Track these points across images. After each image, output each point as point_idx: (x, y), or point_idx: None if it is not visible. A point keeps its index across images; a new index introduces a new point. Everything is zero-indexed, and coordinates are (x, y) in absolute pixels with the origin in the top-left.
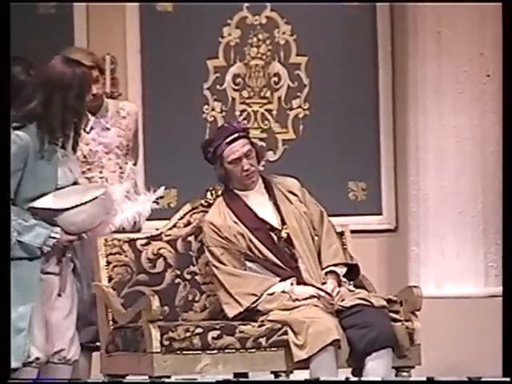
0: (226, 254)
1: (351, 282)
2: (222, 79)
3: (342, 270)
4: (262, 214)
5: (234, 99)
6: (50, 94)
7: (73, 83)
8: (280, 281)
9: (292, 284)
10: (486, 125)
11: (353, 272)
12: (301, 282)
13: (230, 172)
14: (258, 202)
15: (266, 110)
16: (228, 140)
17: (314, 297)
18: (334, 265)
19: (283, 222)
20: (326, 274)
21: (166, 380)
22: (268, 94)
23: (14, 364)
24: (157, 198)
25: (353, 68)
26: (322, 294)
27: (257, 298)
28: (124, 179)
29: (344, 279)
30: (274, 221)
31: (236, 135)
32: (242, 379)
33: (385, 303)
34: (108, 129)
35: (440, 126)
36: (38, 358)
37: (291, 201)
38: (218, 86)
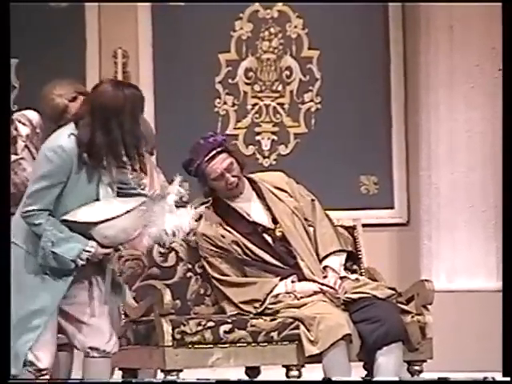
0: (224, 262)
1: (362, 271)
2: (233, 73)
3: (341, 258)
4: (253, 216)
5: (245, 93)
6: (107, 120)
7: (126, 106)
8: (280, 280)
9: (293, 282)
10: (498, 119)
11: (353, 257)
12: (302, 278)
13: (215, 187)
14: (248, 205)
15: (278, 103)
16: (207, 158)
17: (317, 292)
18: (332, 253)
19: (276, 222)
20: (325, 268)
21: (164, 380)
22: (280, 88)
23: (13, 371)
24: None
25: (364, 62)
26: (325, 288)
27: (261, 302)
28: (167, 192)
29: (344, 273)
30: (266, 221)
31: (214, 152)
32: (241, 379)
33: (391, 292)
34: None
35: (452, 121)
36: None
37: (280, 198)
38: (229, 80)
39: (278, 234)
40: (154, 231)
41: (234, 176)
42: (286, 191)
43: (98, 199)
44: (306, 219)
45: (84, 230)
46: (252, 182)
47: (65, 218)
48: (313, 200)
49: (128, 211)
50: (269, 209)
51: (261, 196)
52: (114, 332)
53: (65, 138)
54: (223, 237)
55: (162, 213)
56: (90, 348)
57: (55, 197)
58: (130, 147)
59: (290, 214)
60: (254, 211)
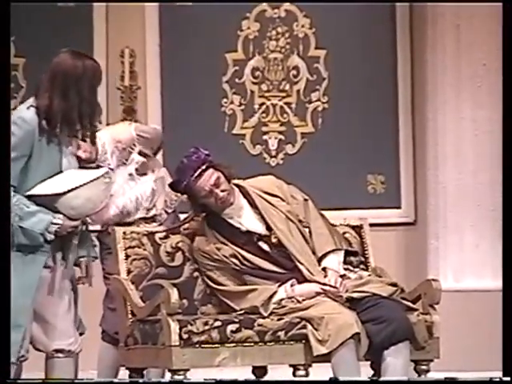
0: (222, 275)
1: (369, 271)
2: (240, 72)
3: (339, 256)
4: (247, 226)
5: (252, 92)
6: (66, 87)
7: (85, 75)
8: (280, 285)
9: (292, 285)
10: None
11: (353, 253)
12: (303, 280)
13: (206, 203)
14: (240, 215)
15: (285, 103)
16: (193, 178)
17: (318, 293)
18: (328, 252)
19: (270, 228)
20: (324, 269)
21: (163, 380)
22: (287, 88)
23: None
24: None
25: (371, 61)
26: (327, 288)
27: (262, 309)
28: (128, 163)
29: (344, 271)
30: (261, 229)
31: (199, 170)
32: (242, 379)
33: (393, 289)
34: (112, 169)
35: (459, 120)
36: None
37: (272, 203)
38: (236, 80)
39: (274, 240)
40: (120, 201)
41: (222, 191)
42: (277, 196)
43: (61, 171)
44: (300, 221)
45: (50, 203)
46: (242, 189)
47: (29, 192)
48: (306, 200)
49: (92, 180)
50: (262, 216)
51: (252, 204)
52: (76, 331)
53: (24, 110)
54: (219, 250)
55: (124, 182)
56: (55, 350)
57: (19, 171)
58: (84, 116)
59: (284, 219)
60: (247, 220)
